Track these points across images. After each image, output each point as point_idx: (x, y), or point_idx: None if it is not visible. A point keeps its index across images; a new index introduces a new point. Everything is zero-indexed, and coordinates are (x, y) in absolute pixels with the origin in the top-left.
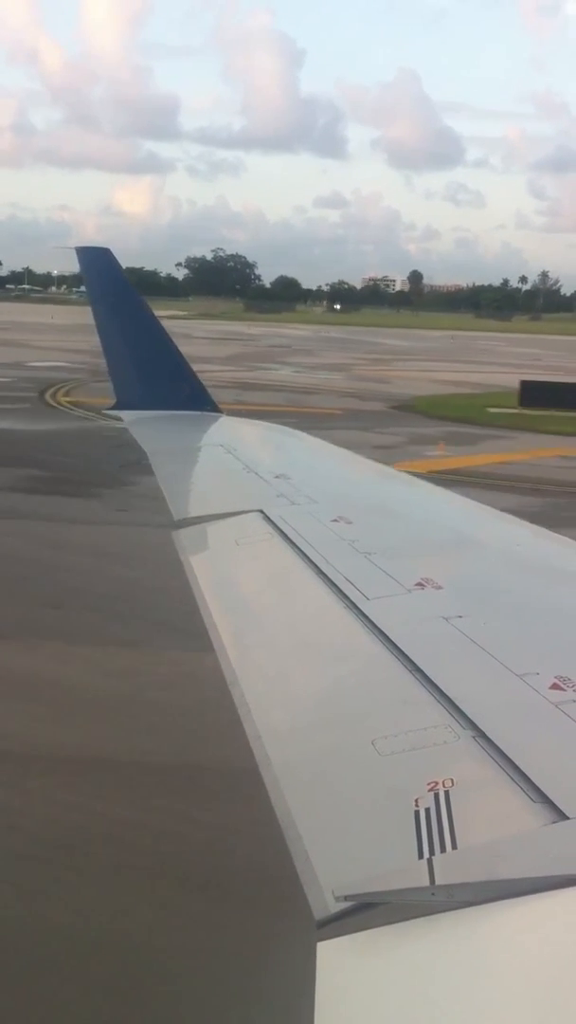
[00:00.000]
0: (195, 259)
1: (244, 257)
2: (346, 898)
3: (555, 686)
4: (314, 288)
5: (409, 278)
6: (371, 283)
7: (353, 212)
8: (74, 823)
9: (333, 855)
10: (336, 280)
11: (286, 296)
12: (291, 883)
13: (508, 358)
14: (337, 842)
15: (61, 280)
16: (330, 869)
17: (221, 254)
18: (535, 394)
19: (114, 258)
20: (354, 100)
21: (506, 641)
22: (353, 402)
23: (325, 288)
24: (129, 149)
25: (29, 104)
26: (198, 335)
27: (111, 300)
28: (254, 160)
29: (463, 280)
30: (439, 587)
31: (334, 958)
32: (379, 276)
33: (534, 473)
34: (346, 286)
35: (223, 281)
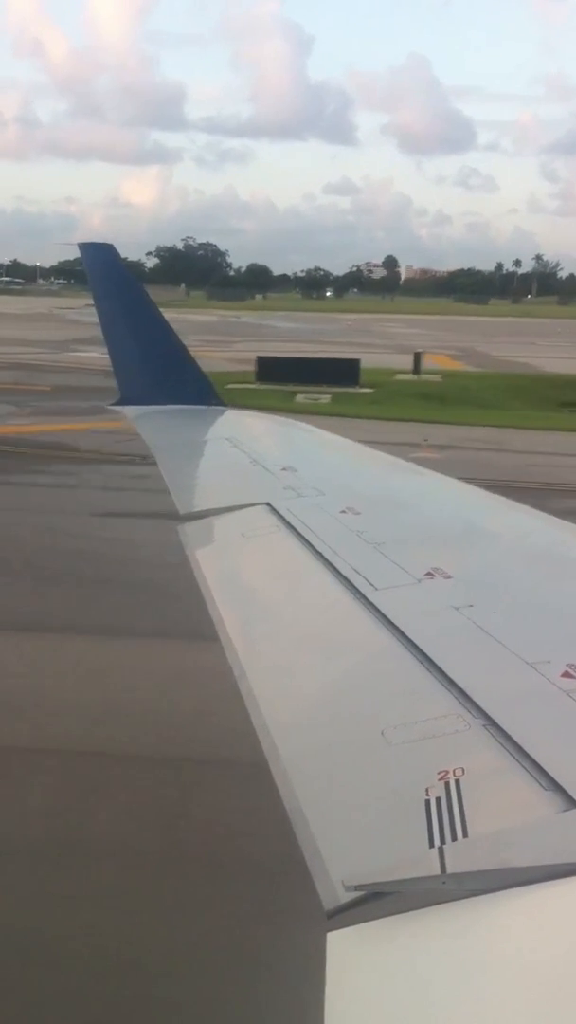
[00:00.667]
0: (165, 248)
1: (215, 245)
2: (356, 888)
3: (566, 674)
4: (291, 275)
5: (384, 263)
6: (355, 269)
7: (364, 199)
8: None
9: (342, 845)
10: (313, 267)
11: (256, 284)
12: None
13: (372, 338)
14: (346, 832)
15: (47, 272)
16: (340, 859)
17: (191, 242)
18: (270, 369)
19: (117, 253)
20: (363, 86)
21: (516, 630)
22: (96, 379)
23: (301, 274)
24: (135, 140)
25: (34, 96)
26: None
27: (114, 295)
28: (263, 148)
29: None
30: (448, 577)
31: (344, 948)
32: (362, 263)
33: (66, 440)
34: (321, 272)
35: (192, 269)
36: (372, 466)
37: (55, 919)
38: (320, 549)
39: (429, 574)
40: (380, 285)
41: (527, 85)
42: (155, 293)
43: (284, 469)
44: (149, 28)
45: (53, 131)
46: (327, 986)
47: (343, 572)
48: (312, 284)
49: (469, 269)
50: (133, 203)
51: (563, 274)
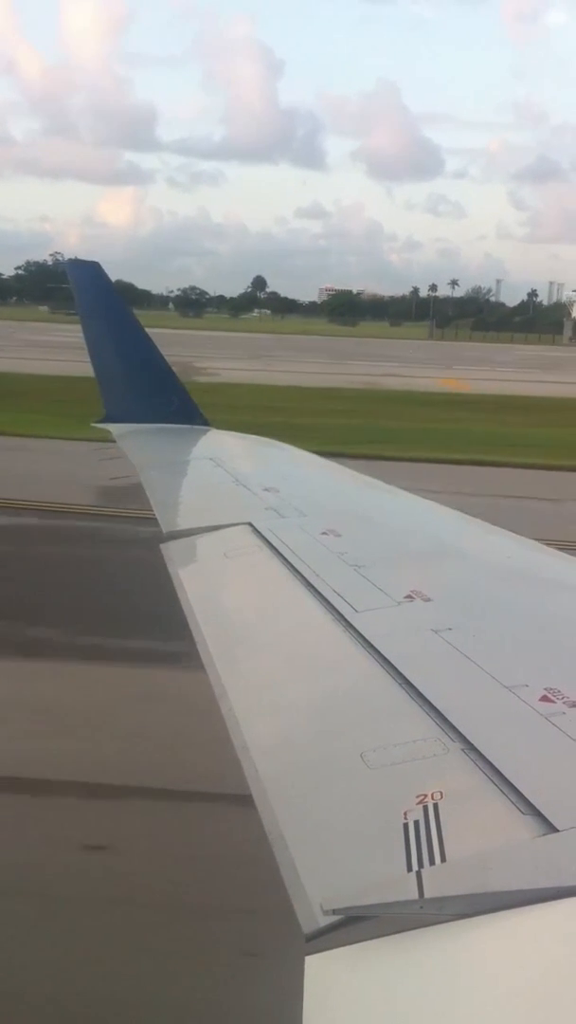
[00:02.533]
0: (33, 263)
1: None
2: (335, 912)
3: (545, 698)
4: (165, 293)
5: (253, 283)
6: (249, 290)
7: (335, 223)
8: None
9: (322, 868)
10: (188, 285)
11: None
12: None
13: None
14: (326, 855)
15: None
16: (319, 882)
17: (59, 258)
18: None
19: (103, 272)
20: (333, 110)
21: (496, 653)
22: None
23: (176, 292)
24: (109, 160)
25: (7, 113)
26: None
27: (100, 313)
28: (234, 171)
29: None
30: (428, 599)
31: (323, 972)
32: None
33: None
34: (197, 291)
35: (58, 286)
36: (354, 487)
37: None
38: (301, 570)
39: (409, 596)
40: (284, 305)
41: (495, 112)
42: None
43: (266, 489)
44: (122, 49)
45: (26, 149)
46: (304, 1010)
47: (324, 594)
48: (187, 303)
49: (402, 296)
50: (108, 223)
51: (506, 299)
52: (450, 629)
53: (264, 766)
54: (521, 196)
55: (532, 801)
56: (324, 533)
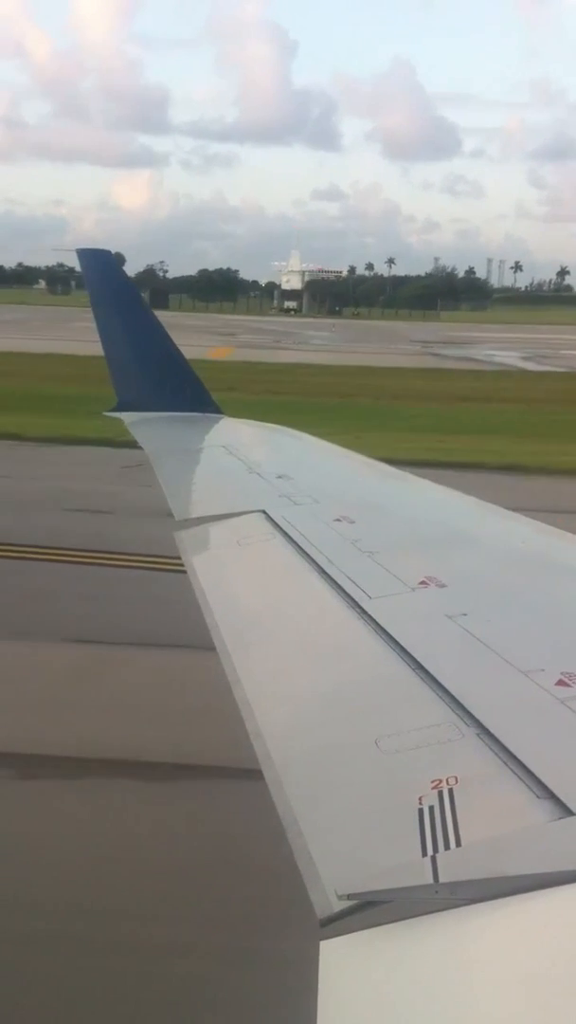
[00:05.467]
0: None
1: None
2: (349, 897)
3: (561, 683)
4: (42, 267)
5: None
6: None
7: (352, 204)
8: None
9: (336, 853)
10: (56, 263)
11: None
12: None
13: None
14: (340, 840)
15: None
16: (333, 868)
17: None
18: None
19: (114, 259)
20: (348, 91)
21: (510, 638)
22: None
23: (46, 267)
24: (122, 143)
25: (20, 97)
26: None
27: (112, 301)
28: (248, 153)
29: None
30: (443, 585)
31: (337, 957)
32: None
33: None
34: (66, 268)
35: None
36: (367, 474)
37: None
38: (315, 557)
39: (423, 583)
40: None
41: (511, 91)
42: None
43: (279, 477)
44: (135, 31)
45: (40, 133)
46: (320, 994)
47: (338, 580)
48: (57, 279)
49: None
50: (123, 206)
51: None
52: (465, 615)
53: (278, 752)
54: (541, 174)
55: (548, 785)
56: (337, 520)
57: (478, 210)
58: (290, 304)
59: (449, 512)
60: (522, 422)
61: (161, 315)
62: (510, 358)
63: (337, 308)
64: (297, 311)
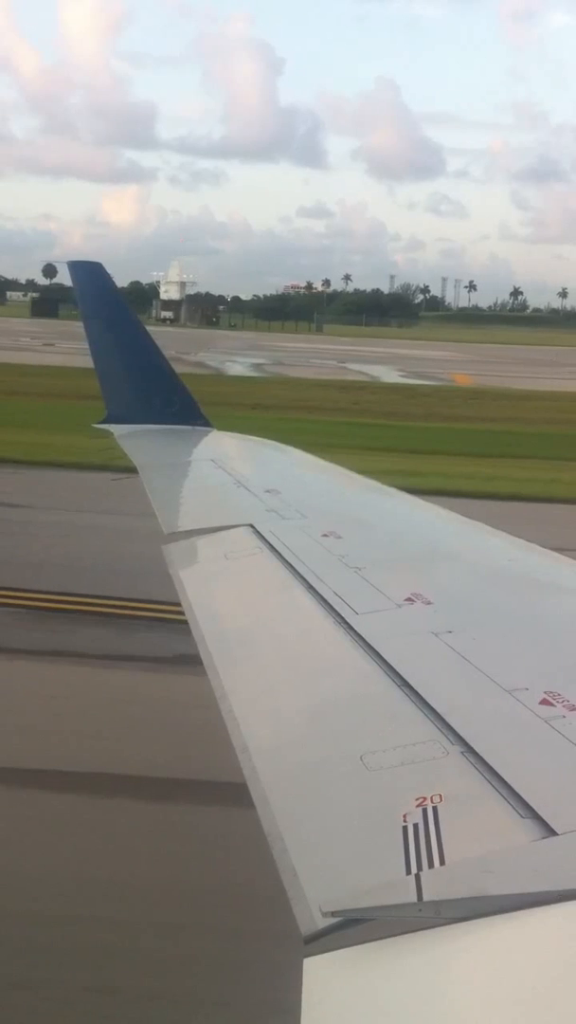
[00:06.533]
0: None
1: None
2: (333, 914)
3: (544, 701)
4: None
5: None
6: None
7: (338, 222)
8: None
9: (321, 870)
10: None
11: None
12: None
13: None
14: (325, 857)
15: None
16: (318, 884)
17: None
18: None
19: (106, 272)
20: (333, 109)
21: (495, 656)
22: None
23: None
24: (110, 158)
25: (7, 112)
26: None
27: (103, 314)
28: (235, 170)
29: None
30: (429, 602)
31: (321, 974)
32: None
33: None
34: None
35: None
36: (354, 490)
37: None
38: (302, 572)
39: (409, 599)
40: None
41: (495, 112)
42: None
43: (267, 491)
44: (121, 47)
45: (28, 148)
46: (303, 1012)
47: (324, 596)
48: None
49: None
50: (111, 222)
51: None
52: (450, 632)
53: (264, 768)
54: (524, 196)
55: (531, 804)
56: (325, 535)
57: (461, 230)
58: (166, 314)
59: (436, 529)
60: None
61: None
62: (264, 365)
63: (215, 319)
64: (174, 321)
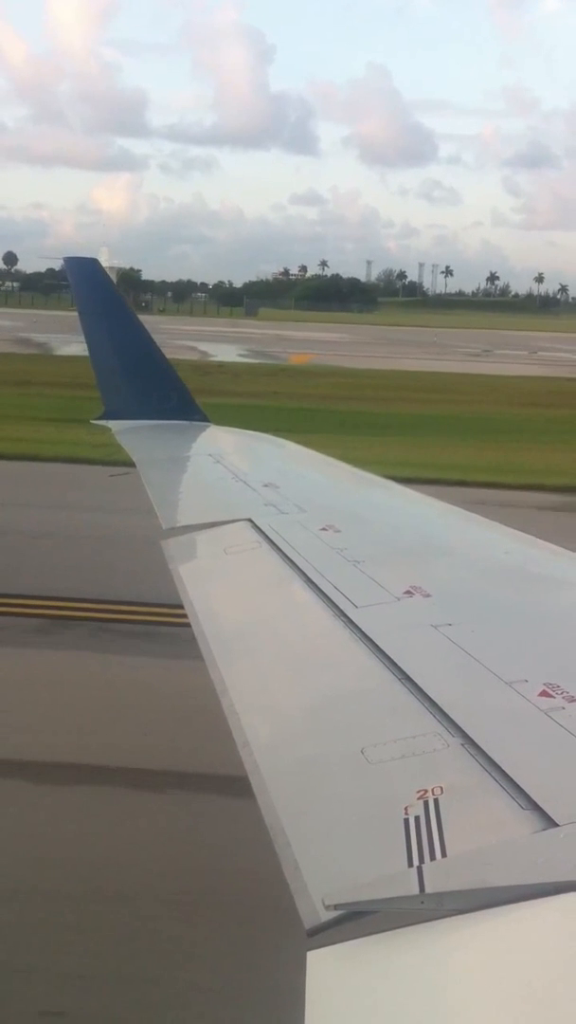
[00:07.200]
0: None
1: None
2: (336, 907)
3: (544, 693)
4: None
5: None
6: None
7: (330, 209)
8: None
9: (323, 864)
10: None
11: None
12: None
13: None
14: (327, 851)
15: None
16: (320, 878)
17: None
18: None
19: (102, 268)
20: (324, 96)
21: (495, 649)
22: None
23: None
24: (101, 146)
25: None
26: None
27: (99, 310)
28: (227, 157)
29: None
30: (428, 595)
31: (324, 967)
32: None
33: None
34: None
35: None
36: (353, 484)
37: None
38: (301, 566)
39: (408, 592)
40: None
41: (486, 98)
42: None
43: (266, 485)
44: (110, 35)
45: (18, 136)
46: (307, 1004)
47: (324, 590)
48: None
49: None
50: (103, 210)
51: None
52: (450, 625)
53: (265, 761)
54: (516, 182)
55: (532, 796)
56: (324, 529)
57: (453, 216)
58: None
59: (434, 522)
60: None
61: None
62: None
63: (143, 304)
64: None
